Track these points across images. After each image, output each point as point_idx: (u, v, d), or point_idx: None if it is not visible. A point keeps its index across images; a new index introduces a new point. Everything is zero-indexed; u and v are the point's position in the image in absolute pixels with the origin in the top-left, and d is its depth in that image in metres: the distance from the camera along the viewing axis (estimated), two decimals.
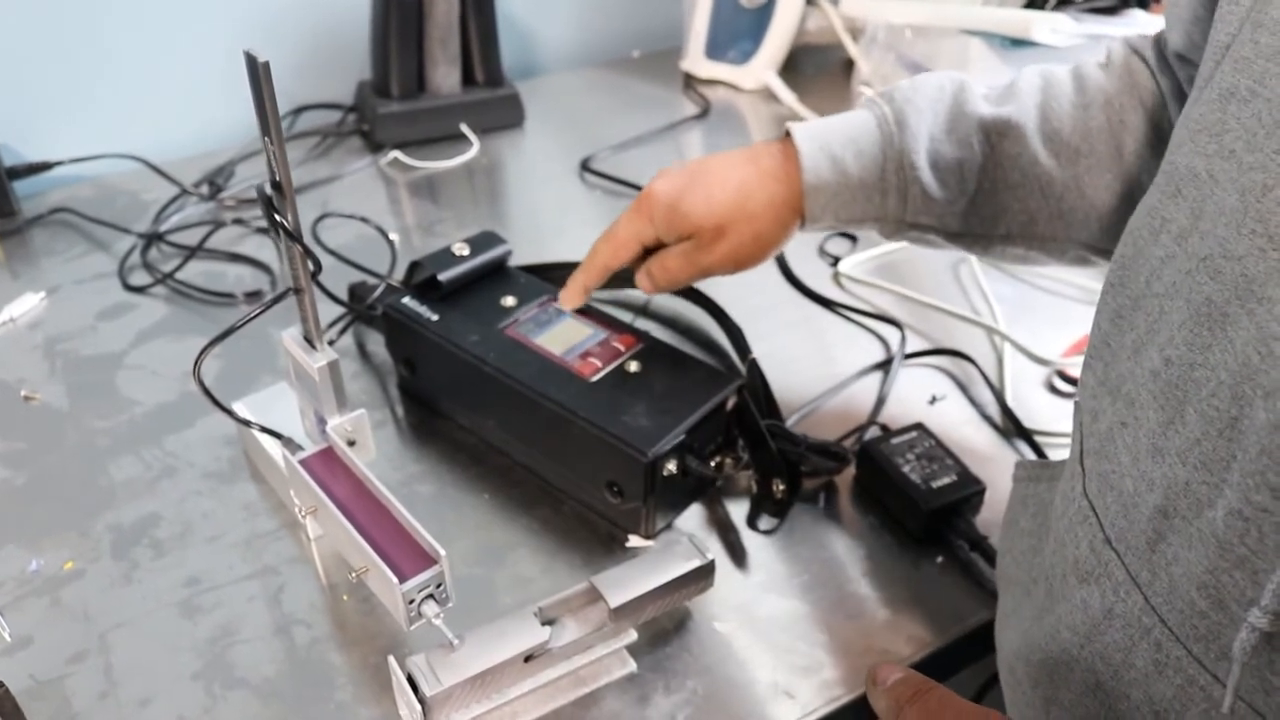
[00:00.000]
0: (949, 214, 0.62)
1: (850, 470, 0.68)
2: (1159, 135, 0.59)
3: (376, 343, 0.79)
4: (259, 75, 0.47)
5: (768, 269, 0.89)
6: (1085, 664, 0.42)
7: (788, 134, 0.63)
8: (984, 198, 0.61)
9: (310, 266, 0.54)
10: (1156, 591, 0.38)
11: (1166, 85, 0.58)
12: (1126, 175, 0.59)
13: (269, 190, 0.52)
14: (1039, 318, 0.84)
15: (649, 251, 0.66)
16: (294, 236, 0.52)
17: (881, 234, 0.64)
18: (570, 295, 0.68)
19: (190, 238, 0.92)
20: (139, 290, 0.86)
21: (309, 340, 0.58)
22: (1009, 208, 0.61)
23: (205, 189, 0.98)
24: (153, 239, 0.91)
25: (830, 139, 0.61)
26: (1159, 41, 0.60)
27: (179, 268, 0.87)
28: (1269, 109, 0.34)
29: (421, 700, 0.49)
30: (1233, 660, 0.34)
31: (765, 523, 0.65)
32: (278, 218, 0.51)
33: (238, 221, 0.94)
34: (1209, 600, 0.35)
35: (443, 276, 0.70)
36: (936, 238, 0.63)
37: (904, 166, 0.60)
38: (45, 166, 0.98)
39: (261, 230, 0.93)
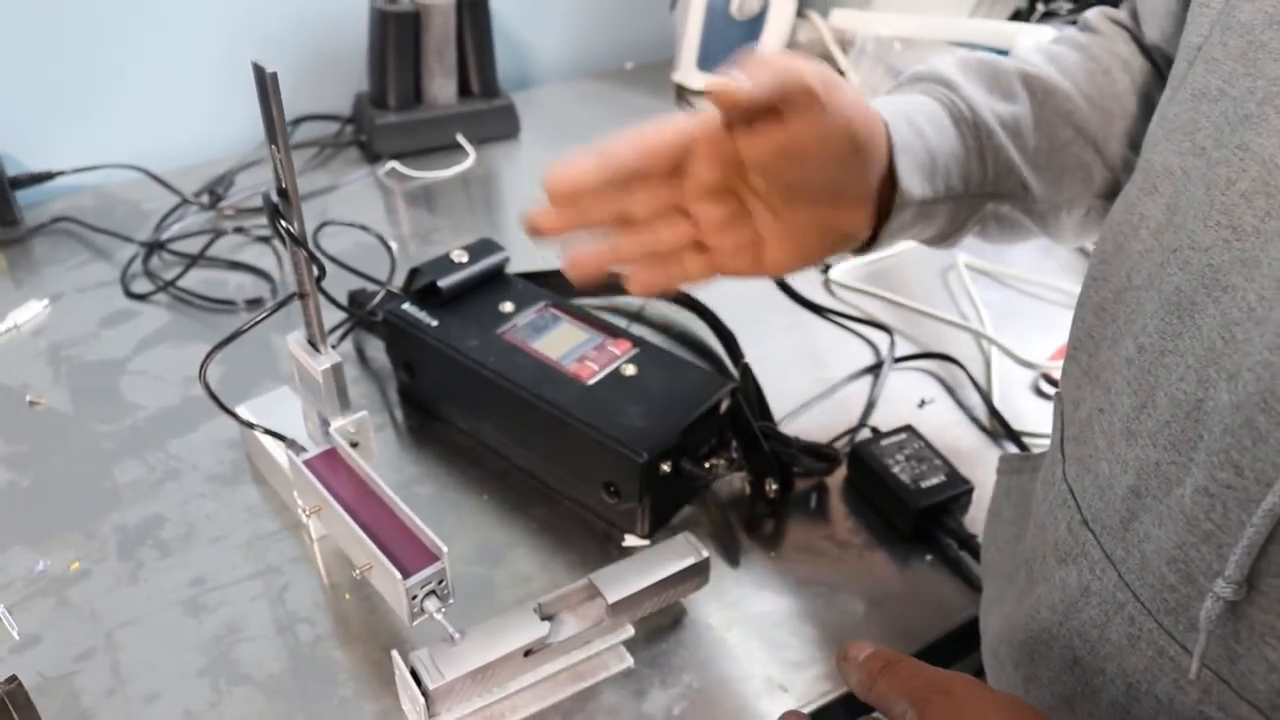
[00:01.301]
0: (1026, 175, 0.55)
1: (841, 471, 0.70)
2: (1149, 103, 0.56)
3: (375, 349, 0.80)
4: (267, 86, 0.49)
5: None
6: (1064, 641, 0.44)
7: None
8: (1043, 158, 0.56)
9: (315, 272, 0.55)
10: (1129, 568, 0.40)
11: (1145, 56, 0.57)
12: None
13: (275, 197, 0.53)
14: (1025, 322, 0.86)
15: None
16: (300, 242, 0.53)
17: (953, 224, 0.56)
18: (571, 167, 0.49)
19: (190, 246, 0.93)
20: (141, 298, 0.87)
21: (313, 344, 0.59)
22: (1068, 165, 0.56)
23: (205, 198, 0.99)
24: (154, 247, 0.93)
25: (899, 107, 0.52)
26: (1133, 16, 0.58)
27: (180, 275, 0.89)
28: (1234, 106, 0.36)
29: (424, 693, 0.50)
30: (1199, 630, 0.36)
31: (758, 522, 0.67)
32: (284, 224, 0.53)
33: (238, 230, 0.96)
34: (1178, 574, 0.37)
35: (442, 283, 0.71)
36: (1014, 212, 0.57)
37: (978, 125, 0.53)
38: (47, 176, 0.99)
39: (261, 239, 0.95)
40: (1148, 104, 0.56)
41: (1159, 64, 0.57)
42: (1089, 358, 0.45)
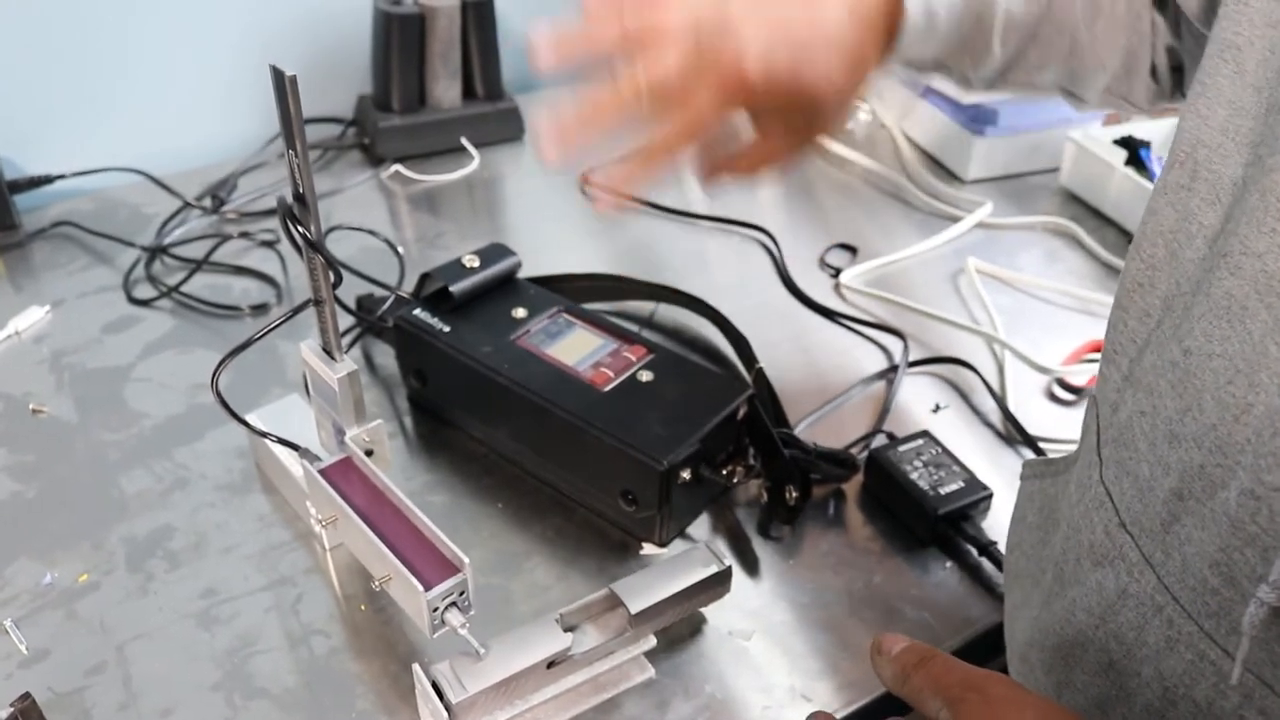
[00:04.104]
0: (989, 62, 0.59)
1: (858, 477, 0.69)
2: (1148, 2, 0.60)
3: (384, 355, 0.80)
4: (285, 88, 0.48)
5: (770, 281, 0.90)
6: (1099, 644, 0.43)
7: None
8: (1020, 51, 0.59)
9: (331, 278, 0.54)
10: (1169, 571, 0.39)
11: None
12: (1129, 35, 0.59)
13: (290, 202, 0.52)
14: (1037, 327, 0.85)
15: None
16: (317, 247, 0.52)
17: (913, 69, 0.60)
18: (628, 177, 0.52)
19: (193, 251, 0.92)
20: (144, 303, 0.86)
21: (327, 351, 0.58)
22: (1029, 60, 0.60)
23: (208, 202, 0.98)
24: (156, 252, 0.91)
25: None
26: None
27: (184, 281, 0.87)
28: None
29: (447, 707, 0.49)
30: (1242, 634, 0.35)
31: (776, 530, 0.66)
32: (300, 229, 0.52)
33: (242, 234, 0.94)
34: (1220, 577, 0.37)
35: (454, 288, 0.70)
36: (956, 79, 0.61)
37: (980, 19, 0.56)
38: (46, 180, 0.98)
39: (266, 243, 0.94)
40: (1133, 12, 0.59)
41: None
42: (1130, 362, 0.44)
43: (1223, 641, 0.37)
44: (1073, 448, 0.51)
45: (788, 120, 0.54)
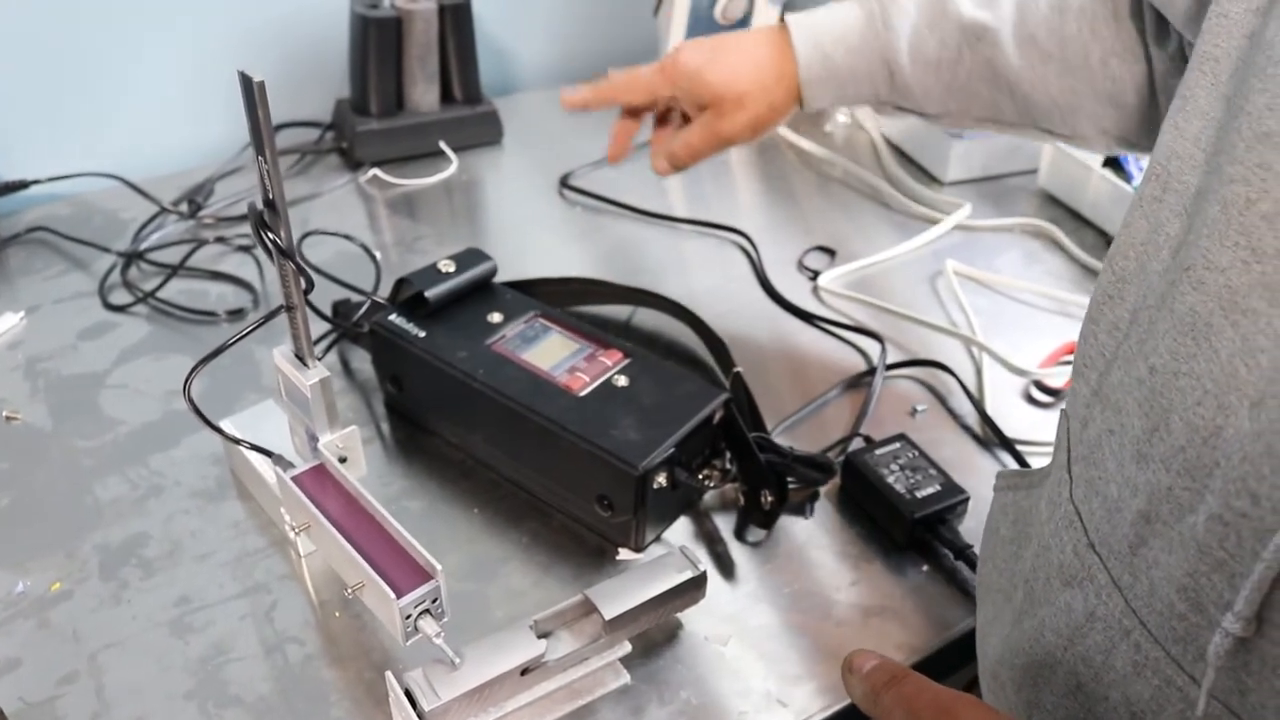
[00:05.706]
0: (928, 101, 0.69)
1: (835, 481, 0.69)
2: (1129, 47, 0.63)
3: (361, 360, 0.79)
4: (254, 95, 0.47)
5: (749, 284, 0.91)
6: (1068, 666, 0.43)
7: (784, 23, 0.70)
8: (959, 88, 0.68)
9: (302, 284, 0.54)
10: (1137, 594, 0.39)
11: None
12: (1091, 79, 0.64)
13: (261, 208, 0.52)
14: (1014, 329, 0.85)
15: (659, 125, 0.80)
16: (288, 254, 0.52)
17: (876, 112, 0.73)
18: (574, 98, 0.78)
19: (170, 256, 0.91)
20: (120, 309, 0.86)
21: (300, 357, 0.58)
22: (980, 97, 0.68)
23: (185, 207, 0.97)
24: (132, 258, 0.91)
25: (822, 37, 0.69)
26: None
27: (160, 286, 0.87)
28: (1249, 123, 0.36)
29: (420, 715, 0.49)
30: (1207, 663, 0.35)
31: (753, 534, 0.66)
32: (271, 236, 0.52)
33: (219, 240, 0.94)
34: (1187, 603, 0.36)
35: (430, 293, 0.70)
36: (918, 117, 0.72)
37: (888, 61, 0.68)
38: (21, 185, 0.97)
39: (243, 249, 0.93)
40: (1113, 47, 0.64)
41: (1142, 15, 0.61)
42: (1099, 377, 0.44)
43: (1189, 668, 0.37)
44: (1050, 451, 0.51)
45: (703, 112, 0.72)
